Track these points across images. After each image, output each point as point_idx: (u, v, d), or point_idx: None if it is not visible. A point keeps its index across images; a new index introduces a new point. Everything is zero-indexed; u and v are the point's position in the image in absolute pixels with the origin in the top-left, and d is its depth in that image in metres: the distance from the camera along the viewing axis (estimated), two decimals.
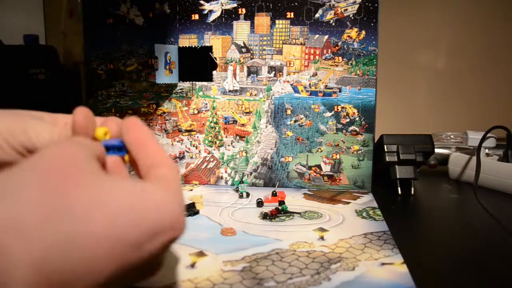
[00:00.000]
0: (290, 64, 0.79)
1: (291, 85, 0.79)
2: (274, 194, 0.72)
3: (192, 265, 0.47)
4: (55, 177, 0.28)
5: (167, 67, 0.78)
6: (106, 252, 0.26)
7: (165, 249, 0.31)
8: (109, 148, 0.37)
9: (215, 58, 0.80)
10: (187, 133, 0.81)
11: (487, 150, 0.85)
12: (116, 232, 0.27)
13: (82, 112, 0.36)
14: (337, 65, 0.78)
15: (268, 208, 0.67)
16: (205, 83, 0.81)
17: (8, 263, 0.24)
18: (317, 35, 0.78)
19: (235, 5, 0.79)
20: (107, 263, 0.27)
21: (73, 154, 0.30)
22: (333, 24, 0.77)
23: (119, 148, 0.37)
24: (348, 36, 0.77)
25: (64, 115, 0.39)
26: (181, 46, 0.80)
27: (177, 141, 0.82)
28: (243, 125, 0.80)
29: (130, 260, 0.28)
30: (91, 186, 0.28)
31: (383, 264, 0.48)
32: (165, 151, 0.36)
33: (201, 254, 0.50)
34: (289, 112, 0.79)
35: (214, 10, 0.79)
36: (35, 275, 0.25)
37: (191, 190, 0.78)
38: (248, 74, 0.80)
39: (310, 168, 0.79)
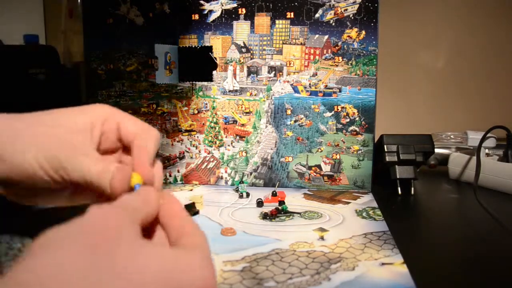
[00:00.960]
0: (290, 64, 0.79)
1: (291, 85, 0.79)
2: (274, 194, 0.72)
3: None
4: (101, 242, 0.30)
5: (167, 67, 0.78)
6: None
7: None
8: None
9: (215, 58, 0.80)
10: (187, 133, 0.82)
11: (487, 150, 0.85)
12: None
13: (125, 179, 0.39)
14: (337, 65, 0.78)
15: (268, 208, 0.67)
16: (205, 83, 0.81)
17: None
18: (317, 35, 0.78)
19: (235, 5, 0.79)
20: None
21: (118, 221, 0.32)
22: (333, 24, 0.77)
23: None
24: (348, 36, 0.77)
25: (109, 157, 0.43)
26: (181, 46, 0.80)
27: (177, 141, 0.82)
28: (243, 125, 0.80)
29: None
30: (131, 254, 0.30)
31: (383, 264, 0.48)
32: (194, 222, 0.39)
33: None
34: (289, 112, 0.79)
35: (214, 10, 0.79)
36: None
37: (191, 190, 0.78)
38: (248, 74, 0.80)
39: (310, 168, 0.79)
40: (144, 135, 0.43)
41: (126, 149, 0.45)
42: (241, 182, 0.78)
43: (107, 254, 0.29)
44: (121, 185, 0.39)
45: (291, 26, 0.78)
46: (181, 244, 0.36)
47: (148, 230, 0.39)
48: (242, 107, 0.80)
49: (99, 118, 0.42)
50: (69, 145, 0.39)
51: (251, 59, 0.80)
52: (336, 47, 0.78)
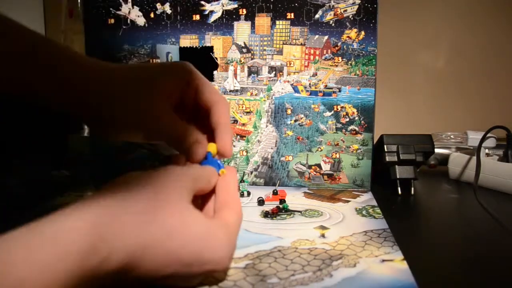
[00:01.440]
0: (290, 64, 0.79)
1: (291, 85, 0.79)
2: (275, 193, 0.72)
3: None
4: (161, 200, 0.37)
5: None
6: (168, 265, 0.36)
7: (210, 274, 0.42)
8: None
9: (216, 58, 0.80)
10: None
11: (487, 150, 0.85)
12: (178, 254, 0.36)
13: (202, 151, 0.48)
14: (336, 65, 0.78)
15: (269, 206, 0.67)
16: None
17: (113, 249, 0.33)
18: (317, 36, 0.78)
19: (236, 5, 0.79)
20: (165, 272, 0.36)
21: (180, 185, 0.40)
22: (333, 24, 0.78)
23: (218, 165, 0.47)
24: (348, 36, 0.78)
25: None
26: (182, 46, 0.81)
27: None
28: (243, 124, 0.81)
29: (179, 274, 0.37)
30: (178, 215, 0.37)
31: (383, 260, 0.49)
32: (238, 200, 0.46)
33: None
34: (289, 111, 0.79)
35: (215, 10, 0.80)
36: (124, 263, 0.34)
37: None
38: (249, 74, 0.80)
39: (310, 167, 0.80)
40: (223, 108, 0.50)
41: (196, 107, 0.51)
42: (242, 181, 0.78)
43: (163, 208, 0.37)
44: (198, 157, 0.47)
45: (291, 27, 0.79)
46: (219, 217, 0.43)
47: (204, 197, 0.47)
48: (242, 107, 0.80)
49: (182, 81, 0.49)
50: (157, 111, 0.47)
51: (252, 59, 0.80)
52: (336, 48, 0.78)
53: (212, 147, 0.48)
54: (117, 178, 0.39)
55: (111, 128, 0.49)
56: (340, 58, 0.78)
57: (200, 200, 0.47)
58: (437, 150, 0.90)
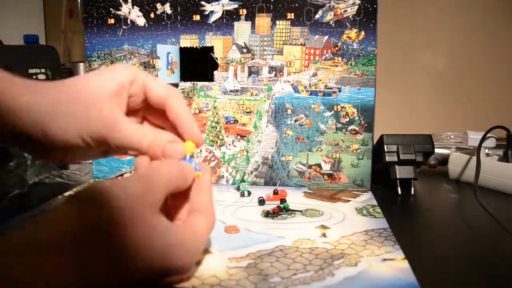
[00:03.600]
0: (290, 64, 0.80)
1: (292, 85, 0.79)
2: (275, 193, 0.72)
3: (198, 262, 0.47)
4: (122, 215, 0.36)
5: (169, 67, 0.78)
6: (134, 277, 0.36)
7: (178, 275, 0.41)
8: None
9: (216, 58, 0.81)
10: None
11: (487, 150, 0.85)
12: (147, 267, 0.37)
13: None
14: (336, 65, 0.79)
15: (269, 206, 0.67)
16: (206, 83, 0.81)
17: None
18: (317, 36, 0.78)
19: (236, 6, 0.79)
20: (134, 276, 0.37)
21: (143, 199, 0.38)
22: (333, 25, 0.78)
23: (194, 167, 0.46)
24: (348, 36, 0.78)
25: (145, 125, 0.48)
26: (182, 46, 0.81)
27: None
28: (244, 124, 0.81)
29: (144, 278, 0.37)
30: (143, 232, 0.36)
31: (384, 260, 0.49)
32: (211, 203, 0.46)
33: (206, 251, 0.50)
34: (289, 111, 0.79)
35: (215, 11, 0.80)
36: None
37: None
38: (249, 74, 0.80)
39: (310, 167, 0.80)
40: (178, 99, 0.46)
41: (149, 108, 0.48)
42: (242, 181, 0.78)
43: (129, 227, 0.36)
44: (178, 158, 0.45)
45: (291, 27, 0.79)
46: (188, 221, 0.43)
47: (179, 196, 0.45)
48: (243, 107, 0.80)
49: (126, 82, 0.44)
50: (108, 117, 0.42)
51: (252, 59, 0.80)
52: (336, 48, 0.78)
53: (188, 146, 0.46)
54: (81, 191, 0.37)
55: (60, 151, 0.44)
56: (340, 58, 0.78)
57: (173, 200, 0.46)
58: (437, 150, 0.90)
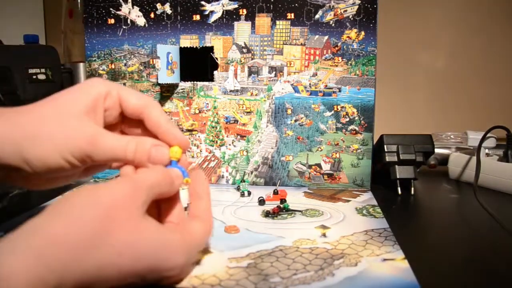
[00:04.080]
0: (290, 64, 0.80)
1: (292, 85, 0.79)
2: (275, 193, 0.72)
3: (198, 262, 0.47)
4: (111, 219, 0.35)
5: (169, 67, 0.78)
6: (122, 279, 0.36)
7: (167, 279, 0.40)
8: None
9: (216, 58, 0.81)
10: (188, 133, 0.82)
11: (487, 150, 0.85)
12: (132, 269, 0.36)
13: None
14: (336, 65, 0.79)
15: (269, 206, 0.67)
16: (206, 83, 0.81)
17: (63, 279, 0.32)
18: (317, 36, 0.78)
19: (236, 6, 0.79)
20: (120, 283, 0.36)
21: (132, 202, 0.37)
22: (333, 25, 0.78)
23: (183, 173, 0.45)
24: (348, 36, 0.78)
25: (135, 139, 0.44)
26: (182, 46, 0.81)
27: None
28: (244, 124, 0.81)
29: (133, 283, 0.37)
30: (129, 232, 0.36)
31: (384, 260, 0.49)
32: (208, 209, 0.45)
33: (206, 251, 0.50)
34: (289, 111, 0.79)
35: (215, 10, 0.80)
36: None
37: None
38: (249, 74, 0.80)
39: (310, 166, 0.80)
40: (156, 108, 0.46)
41: (126, 121, 0.48)
42: (242, 181, 0.78)
43: (113, 229, 0.35)
44: (163, 161, 0.44)
45: (291, 27, 0.79)
46: (182, 224, 0.43)
47: (168, 201, 0.45)
48: (243, 107, 0.80)
49: (100, 96, 0.43)
50: (88, 132, 0.41)
51: (252, 59, 0.80)
52: (336, 48, 0.78)
53: (174, 151, 0.45)
54: (62, 197, 0.37)
55: (43, 176, 0.43)
56: (340, 58, 0.78)
57: (165, 206, 0.45)
58: (437, 150, 0.90)
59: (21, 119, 0.40)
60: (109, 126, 0.46)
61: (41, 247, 0.32)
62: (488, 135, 0.79)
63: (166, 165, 0.44)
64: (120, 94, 0.45)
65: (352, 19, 0.77)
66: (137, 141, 0.43)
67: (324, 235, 0.56)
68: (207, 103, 0.81)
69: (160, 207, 0.45)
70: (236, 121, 0.81)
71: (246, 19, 0.79)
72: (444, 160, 0.92)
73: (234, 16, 0.80)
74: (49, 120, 0.40)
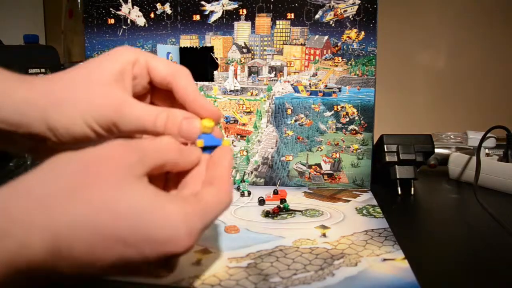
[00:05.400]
0: (290, 64, 0.80)
1: (292, 85, 0.79)
2: (275, 193, 0.72)
3: (198, 262, 0.47)
4: (92, 173, 0.32)
5: None
6: (106, 246, 0.31)
7: (171, 259, 0.35)
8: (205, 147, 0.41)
9: (216, 58, 0.81)
10: None
11: (487, 150, 0.85)
12: (112, 230, 0.31)
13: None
14: (336, 65, 0.79)
15: (269, 206, 0.67)
16: (206, 83, 0.81)
17: (30, 230, 0.29)
18: (317, 36, 0.78)
19: (236, 6, 0.79)
20: (107, 255, 0.31)
21: (120, 159, 0.34)
22: (333, 25, 0.78)
23: (217, 141, 0.42)
24: (348, 36, 0.78)
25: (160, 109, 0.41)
26: (182, 46, 0.81)
27: None
28: (244, 124, 0.81)
29: (130, 259, 0.32)
30: (111, 188, 0.32)
31: (384, 259, 0.49)
32: (229, 178, 0.40)
33: (206, 251, 0.50)
34: (289, 111, 0.79)
35: (215, 10, 0.80)
36: (49, 245, 0.30)
37: None
38: (249, 74, 0.80)
39: (310, 166, 0.80)
40: (186, 75, 0.43)
41: (156, 92, 0.45)
42: (242, 181, 0.78)
43: (93, 183, 0.32)
44: (194, 134, 0.40)
45: (291, 27, 0.79)
46: (190, 193, 0.38)
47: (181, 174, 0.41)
48: (243, 107, 0.81)
49: (128, 63, 0.41)
50: (115, 99, 0.39)
51: (252, 59, 0.80)
52: (336, 48, 0.78)
53: (205, 124, 0.41)
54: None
55: (69, 147, 0.38)
56: (340, 58, 0.78)
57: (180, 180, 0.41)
58: (437, 150, 0.90)
59: (47, 86, 0.38)
60: (139, 97, 0.43)
61: (6, 199, 0.30)
62: (488, 135, 0.79)
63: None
64: (148, 61, 0.42)
65: (352, 19, 0.77)
66: (168, 112, 0.40)
67: (324, 235, 0.56)
68: None
69: (176, 183, 0.41)
70: (236, 121, 0.81)
71: (246, 19, 0.79)
72: (444, 160, 0.92)
73: (234, 16, 0.80)
74: (75, 87, 0.39)
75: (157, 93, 0.45)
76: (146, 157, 0.35)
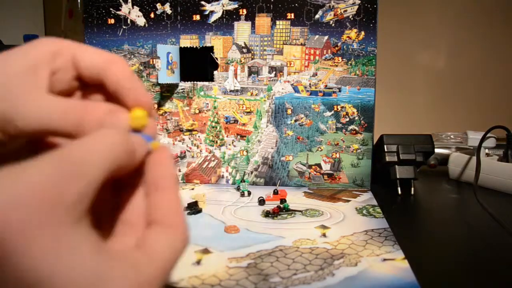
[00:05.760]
0: (290, 64, 0.80)
1: (292, 85, 0.79)
2: (275, 193, 0.72)
3: (198, 262, 0.47)
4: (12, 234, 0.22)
5: (169, 67, 0.78)
6: None
7: None
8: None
9: (216, 58, 0.81)
10: (188, 133, 0.82)
11: (487, 150, 0.85)
12: None
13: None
14: (336, 65, 0.79)
15: (269, 206, 0.67)
16: (206, 83, 0.81)
17: None
18: (317, 36, 0.78)
19: (236, 6, 0.79)
20: None
21: (46, 194, 0.23)
22: (333, 25, 0.78)
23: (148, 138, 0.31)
24: (348, 36, 0.78)
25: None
26: (182, 46, 0.81)
27: (179, 141, 0.82)
28: (244, 124, 0.81)
29: None
30: (42, 252, 0.22)
31: (384, 259, 0.49)
32: (181, 209, 0.30)
33: (206, 251, 0.50)
34: (289, 111, 0.79)
35: (215, 10, 0.80)
36: None
37: (192, 189, 0.78)
38: (249, 74, 0.80)
39: (310, 166, 0.80)
40: (119, 64, 0.33)
41: (86, 88, 0.35)
42: (242, 181, 0.78)
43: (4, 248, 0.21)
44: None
45: (291, 27, 0.79)
46: (142, 238, 0.28)
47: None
48: (243, 107, 0.81)
49: (45, 56, 0.32)
50: (16, 93, 0.30)
51: (252, 59, 0.80)
52: (336, 48, 0.78)
53: (136, 117, 0.31)
54: None
55: None
56: (340, 58, 0.78)
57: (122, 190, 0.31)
58: (437, 150, 0.90)
59: None
60: (64, 93, 0.34)
61: None
62: (488, 135, 0.79)
63: None
64: (75, 53, 0.33)
65: (352, 19, 0.77)
66: (83, 105, 0.31)
67: (324, 235, 0.56)
68: (207, 103, 0.81)
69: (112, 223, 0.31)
70: (236, 121, 0.81)
71: (246, 19, 0.79)
72: (444, 160, 0.92)
73: (234, 16, 0.80)
74: None
75: (88, 89, 0.35)
76: (98, 175, 0.25)
